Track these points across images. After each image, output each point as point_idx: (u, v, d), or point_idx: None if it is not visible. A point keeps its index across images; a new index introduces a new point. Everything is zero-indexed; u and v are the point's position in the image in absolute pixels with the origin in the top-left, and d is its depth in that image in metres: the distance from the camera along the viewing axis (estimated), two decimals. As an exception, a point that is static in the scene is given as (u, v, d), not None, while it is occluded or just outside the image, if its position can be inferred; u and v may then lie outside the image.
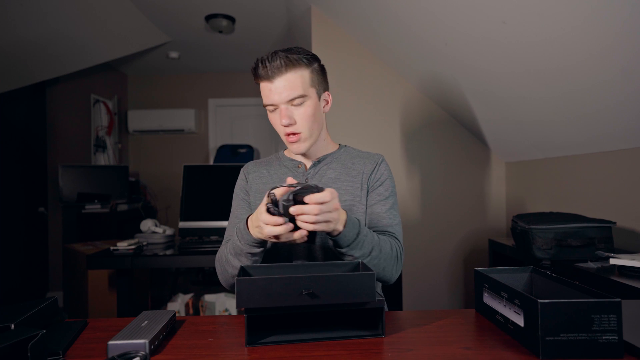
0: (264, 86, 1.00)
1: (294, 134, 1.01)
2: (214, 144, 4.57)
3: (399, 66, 2.57)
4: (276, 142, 4.61)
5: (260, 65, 0.98)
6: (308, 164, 1.12)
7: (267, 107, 1.02)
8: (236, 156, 4.12)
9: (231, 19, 3.05)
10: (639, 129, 1.48)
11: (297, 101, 0.99)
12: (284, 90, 0.98)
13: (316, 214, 0.80)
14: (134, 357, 0.65)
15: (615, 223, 1.51)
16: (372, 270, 0.75)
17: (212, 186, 2.19)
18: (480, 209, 2.66)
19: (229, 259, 0.99)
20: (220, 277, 1.07)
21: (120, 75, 4.43)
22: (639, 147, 1.55)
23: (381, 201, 1.08)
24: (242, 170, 1.18)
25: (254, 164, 1.18)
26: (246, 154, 4.15)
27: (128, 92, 4.58)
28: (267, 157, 1.22)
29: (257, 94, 4.82)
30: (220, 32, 3.16)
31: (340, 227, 0.88)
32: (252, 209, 1.11)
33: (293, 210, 0.80)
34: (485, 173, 2.67)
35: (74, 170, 3.45)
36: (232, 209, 1.16)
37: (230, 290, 1.04)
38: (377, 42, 2.50)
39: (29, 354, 0.61)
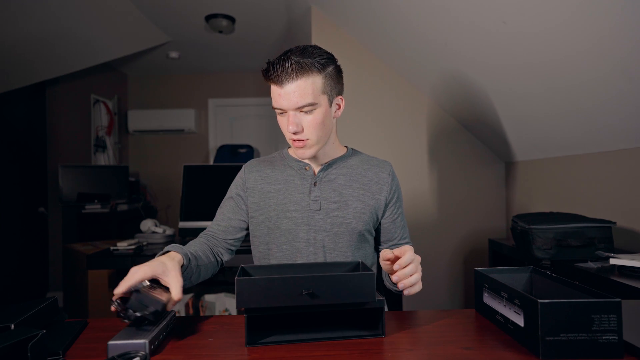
0: (274, 89, 0.97)
1: (300, 140, 0.99)
2: (214, 144, 4.57)
3: (398, 66, 2.57)
4: (276, 142, 4.61)
5: (270, 68, 0.95)
6: (316, 166, 1.10)
7: (276, 110, 1.00)
8: (236, 156, 4.12)
9: (231, 19, 3.05)
10: (638, 129, 1.48)
11: (306, 109, 0.96)
12: (293, 97, 0.94)
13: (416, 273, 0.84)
14: (134, 357, 0.65)
15: (615, 223, 1.51)
16: (372, 270, 0.75)
17: (212, 186, 2.19)
18: (480, 209, 2.66)
19: None
20: None
21: (120, 75, 4.43)
22: (639, 147, 1.55)
23: (396, 213, 1.13)
24: (243, 167, 1.16)
25: (256, 163, 1.16)
26: (246, 154, 4.15)
27: (128, 92, 4.58)
28: (270, 156, 1.19)
29: (257, 94, 4.82)
30: (220, 32, 3.15)
31: None
32: (250, 209, 1.10)
33: (398, 277, 0.82)
34: (485, 173, 2.67)
35: (74, 170, 3.45)
36: (222, 202, 1.16)
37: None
38: (377, 41, 2.50)
39: (29, 354, 0.61)
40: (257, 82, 4.59)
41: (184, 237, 2.14)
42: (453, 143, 2.67)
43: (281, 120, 1.01)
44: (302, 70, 0.94)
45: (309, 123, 0.98)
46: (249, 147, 4.22)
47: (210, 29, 3.18)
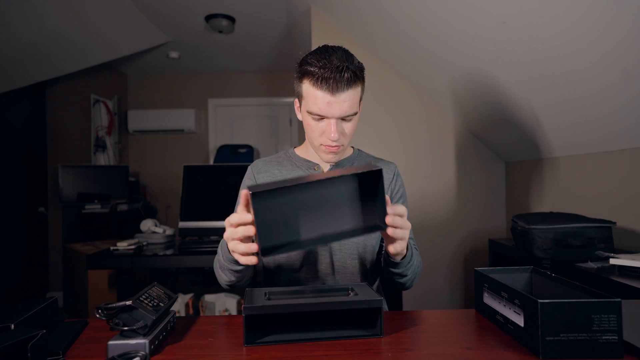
0: (320, 95, 0.92)
1: (337, 146, 0.98)
2: (214, 144, 4.57)
3: (398, 65, 2.57)
4: (276, 142, 4.61)
5: (327, 73, 0.90)
6: (324, 166, 1.09)
7: (312, 115, 0.96)
8: (236, 156, 4.12)
9: (231, 19, 3.05)
10: (638, 129, 1.48)
11: (349, 117, 0.96)
12: (344, 106, 0.93)
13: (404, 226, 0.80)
14: (134, 357, 0.65)
15: (615, 223, 1.51)
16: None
17: (212, 186, 2.19)
18: (480, 209, 2.66)
19: (217, 269, 0.99)
20: (217, 277, 1.06)
21: (120, 75, 4.43)
22: (639, 147, 1.55)
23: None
24: (249, 168, 1.13)
25: (263, 163, 1.13)
26: (246, 154, 4.15)
27: (128, 92, 4.58)
28: (275, 155, 1.17)
29: (257, 94, 4.79)
30: (220, 32, 3.15)
31: (405, 250, 0.91)
32: None
33: (393, 210, 0.78)
34: (485, 173, 2.67)
35: (74, 170, 3.45)
36: (235, 208, 1.12)
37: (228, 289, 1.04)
38: (376, 42, 2.50)
39: (29, 354, 0.61)
40: (257, 82, 4.59)
41: (184, 237, 2.14)
42: (453, 143, 2.67)
43: (315, 125, 0.97)
44: (356, 79, 0.93)
45: (347, 130, 0.97)
46: (249, 147, 4.23)
47: (210, 29, 3.18)
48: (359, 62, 0.97)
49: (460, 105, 2.44)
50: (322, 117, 0.95)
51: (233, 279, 0.94)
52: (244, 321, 0.72)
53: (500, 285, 0.79)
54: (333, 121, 0.94)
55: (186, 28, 3.26)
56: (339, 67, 0.90)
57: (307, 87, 0.94)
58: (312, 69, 0.92)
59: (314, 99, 0.93)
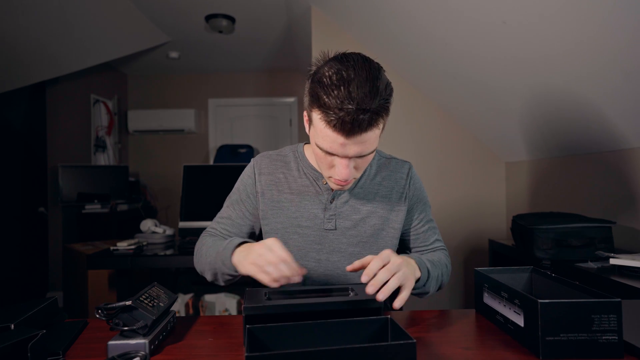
0: (331, 135, 0.78)
1: (346, 181, 0.86)
2: (214, 144, 4.57)
3: (399, 65, 2.57)
4: (276, 142, 4.61)
5: (343, 114, 0.74)
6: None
7: (322, 150, 0.83)
8: (236, 156, 4.12)
9: (231, 19, 3.05)
10: (638, 129, 1.48)
11: (365, 156, 0.84)
12: (359, 148, 0.79)
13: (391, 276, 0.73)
14: (134, 357, 0.65)
15: (615, 223, 1.51)
16: (413, 340, 0.61)
17: (212, 186, 2.19)
18: (480, 209, 2.66)
19: (204, 265, 0.95)
20: (195, 264, 1.02)
21: (120, 75, 4.43)
22: (639, 147, 1.55)
23: (421, 213, 1.06)
24: (252, 163, 1.03)
25: (268, 161, 1.02)
26: (246, 154, 4.15)
27: (128, 92, 4.58)
28: (283, 152, 1.04)
29: (257, 94, 4.78)
30: (220, 32, 3.15)
31: (418, 274, 0.84)
32: (258, 216, 1.01)
33: (368, 282, 0.72)
34: (485, 173, 2.67)
35: (74, 170, 3.44)
36: (228, 202, 1.05)
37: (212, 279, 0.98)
38: (376, 41, 2.50)
39: (29, 354, 0.61)
40: (257, 82, 4.59)
41: (184, 237, 2.14)
42: (453, 143, 2.67)
43: (324, 157, 0.84)
44: (377, 118, 0.78)
45: (361, 165, 0.86)
46: (249, 147, 4.23)
47: (210, 29, 3.18)
48: (386, 85, 0.79)
49: (460, 105, 2.44)
50: (333, 154, 0.82)
51: (223, 283, 0.94)
52: (244, 321, 0.72)
53: (500, 285, 0.79)
54: (345, 161, 0.82)
55: (186, 28, 3.25)
56: (358, 109, 0.74)
57: (318, 120, 0.79)
58: (326, 101, 0.75)
59: (325, 136, 0.79)
